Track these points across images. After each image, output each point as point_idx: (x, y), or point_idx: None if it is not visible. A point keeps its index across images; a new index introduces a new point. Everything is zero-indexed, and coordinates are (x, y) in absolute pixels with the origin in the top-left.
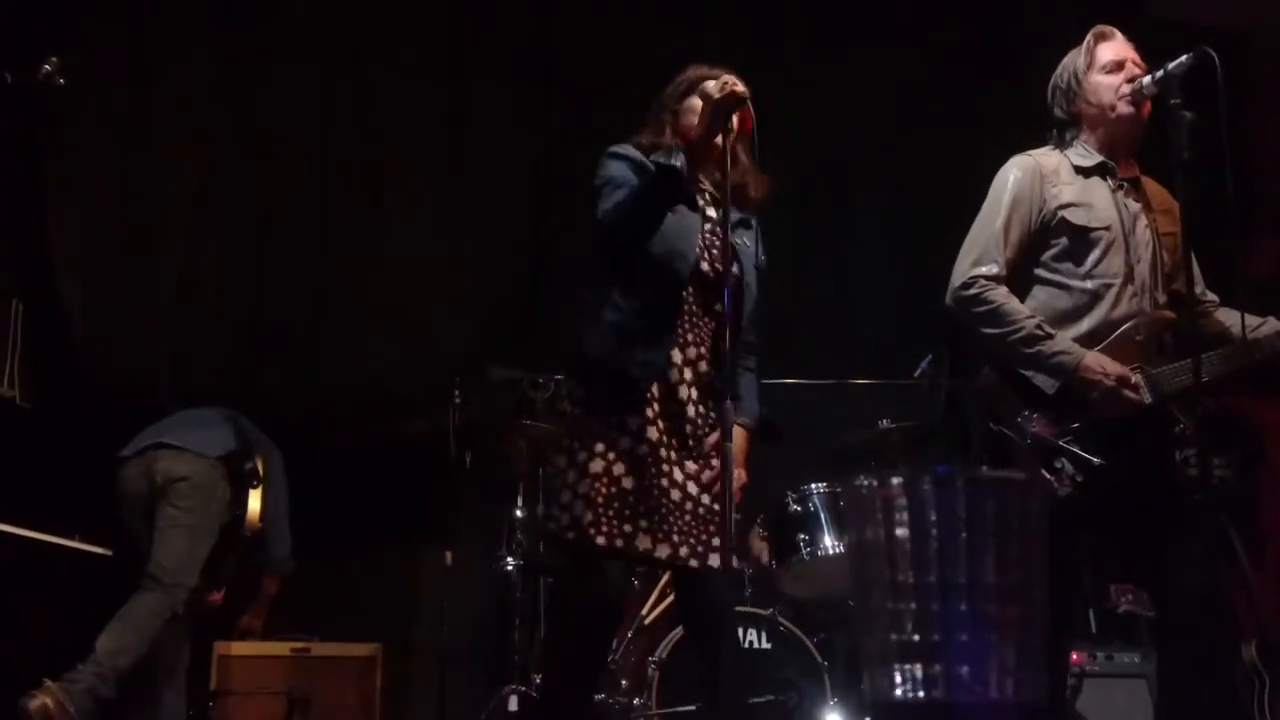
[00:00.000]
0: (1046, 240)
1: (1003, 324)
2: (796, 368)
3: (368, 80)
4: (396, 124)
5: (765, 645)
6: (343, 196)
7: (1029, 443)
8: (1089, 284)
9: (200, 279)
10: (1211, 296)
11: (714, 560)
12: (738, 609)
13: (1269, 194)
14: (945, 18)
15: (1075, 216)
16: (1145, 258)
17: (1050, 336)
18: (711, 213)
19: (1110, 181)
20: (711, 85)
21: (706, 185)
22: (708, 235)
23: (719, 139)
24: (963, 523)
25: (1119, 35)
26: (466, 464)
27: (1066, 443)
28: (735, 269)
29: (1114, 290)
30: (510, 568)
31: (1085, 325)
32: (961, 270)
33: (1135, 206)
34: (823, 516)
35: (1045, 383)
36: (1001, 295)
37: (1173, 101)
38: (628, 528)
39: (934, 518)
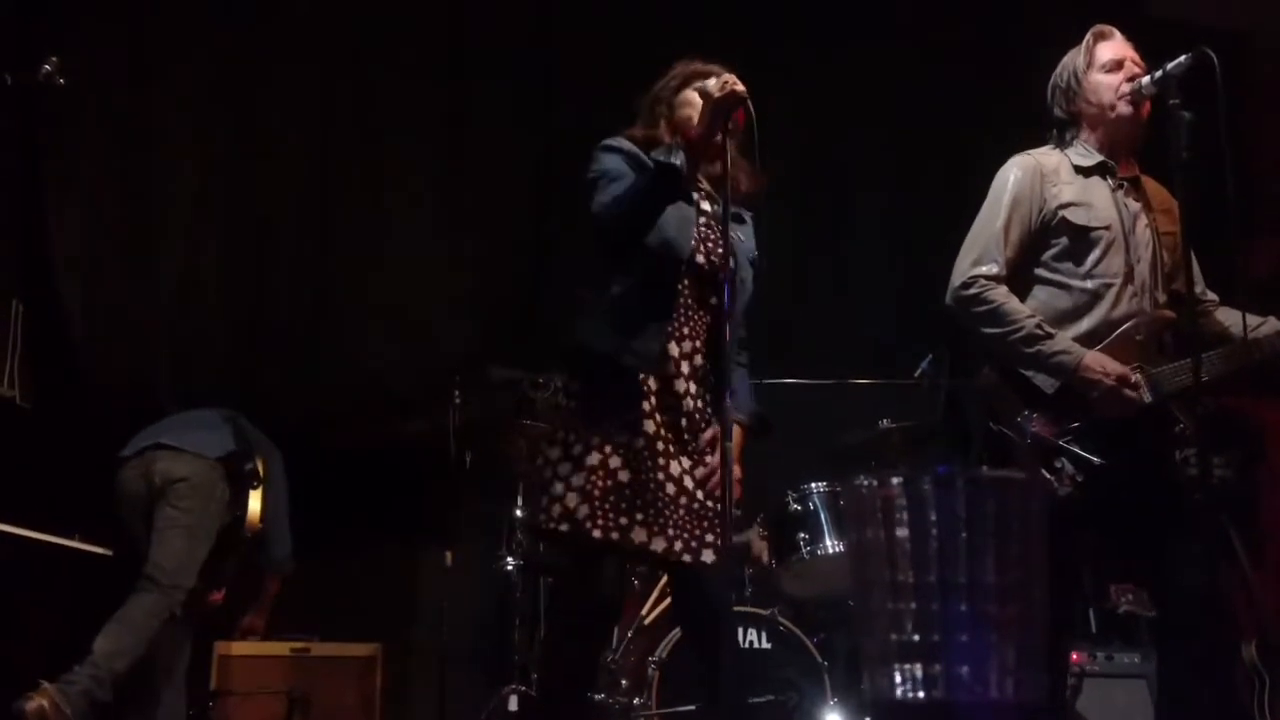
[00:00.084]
0: (1046, 240)
1: (1003, 323)
2: (796, 368)
3: (368, 80)
4: (396, 124)
5: (765, 645)
6: (343, 196)
7: (1029, 442)
8: (1089, 284)
9: (200, 279)
10: (1211, 296)
11: (707, 556)
12: (737, 609)
13: (1269, 194)
14: (945, 18)
15: (1075, 216)
16: (1145, 257)
17: (1050, 336)
18: (706, 206)
19: (1110, 181)
20: (712, 84)
21: (702, 180)
22: (702, 229)
23: (719, 137)
24: (963, 523)
25: (1118, 34)
26: (466, 464)
27: (1066, 442)
28: (730, 263)
29: (1114, 290)
30: (510, 568)
31: (1085, 325)
32: (961, 270)
33: (1135, 206)
34: (823, 516)
35: (1045, 382)
36: (1001, 295)
37: (1172, 101)
38: (624, 520)
39: (934, 518)
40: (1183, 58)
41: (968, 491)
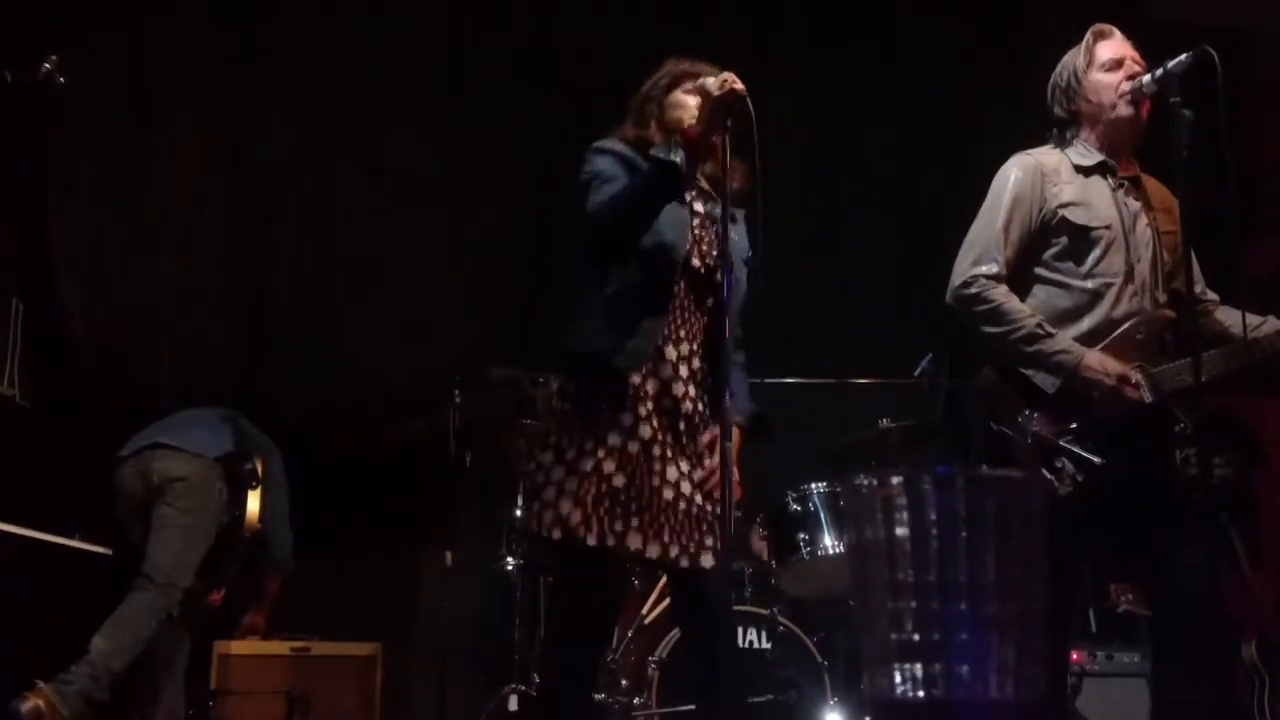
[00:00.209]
0: (1047, 239)
1: (1003, 323)
2: (796, 367)
3: (368, 80)
4: (396, 124)
5: (765, 645)
6: (343, 197)
7: (1030, 442)
8: (1089, 283)
9: (200, 279)
10: (1212, 295)
11: (706, 560)
12: (737, 608)
13: (1269, 194)
14: (945, 18)
15: (1075, 215)
16: (1145, 256)
17: (1051, 335)
18: (699, 207)
19: (1110, 180)
20: (711, 82)
21: (700, 179)
22: (696, 230)
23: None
24: (963, 522)
25: (1118, 33)
26: (466, 464)
27: (1067, 442)
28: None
29: (1114, 289)
30: (510, 568)
31: (1086, 324)
32: (962, 269)
33: (1135, 205)
34: (823, 516)
35: (1046, 382)
36: (1002, 294)
37: (1172, 100)
38: (619, 526)
39: (934, 517)
40: (1183, 56)
41: (967, 491)
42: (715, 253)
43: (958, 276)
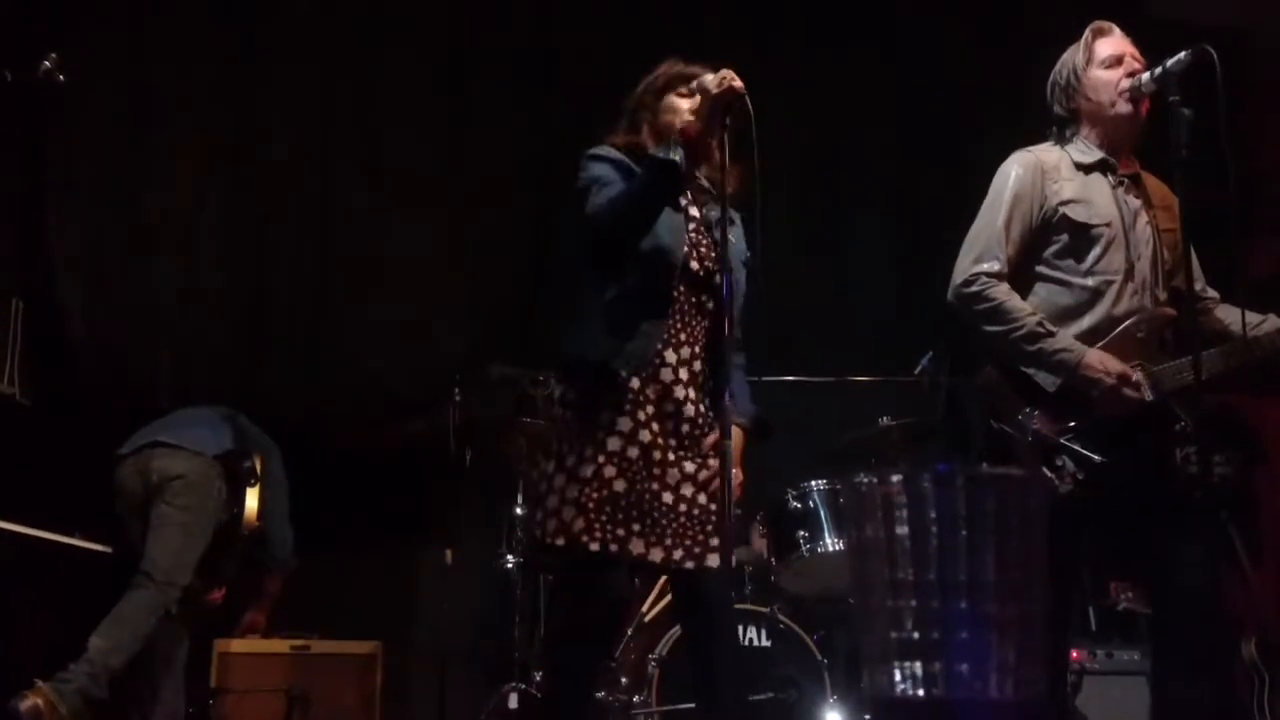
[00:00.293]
0: (1047, 237)
1: (1004, 321)
2: (796, 366)
3: (368, 80)
4: (396, 124)
5: (765, 643)
6: (343, 197)
7: (1030, 440)
8: (1090, 281)
9: (200, 279)
10: (1212, 293)
11: (711, 561)
12: (737, 606)
13: (1269, 194)
14: (945, 18)
15: (1076, 213)
16: (1145, 254)
17: (1052, 334)
18: (694, 211)
19: (1110, 178)
20: (710, 80)
21: (700, 178)
22: (693, 234)
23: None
24: (963, 520)
25: (1117, 31)
26: (466, 463)
27: (1068, 440)
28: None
29: (1115, 287)
30: (510, 567)
31: (1086, 322)
32: (963, 268)
33: (1135, 203)
34: (823, 514)
35: (1046, 380)
36: (1003, 293)
37: (1172, 98)
38: (621, 531)
39: (934, 515)
40: (1183, 54)
41: (967, 489)
42: (714, 255)
43: (959, 275)
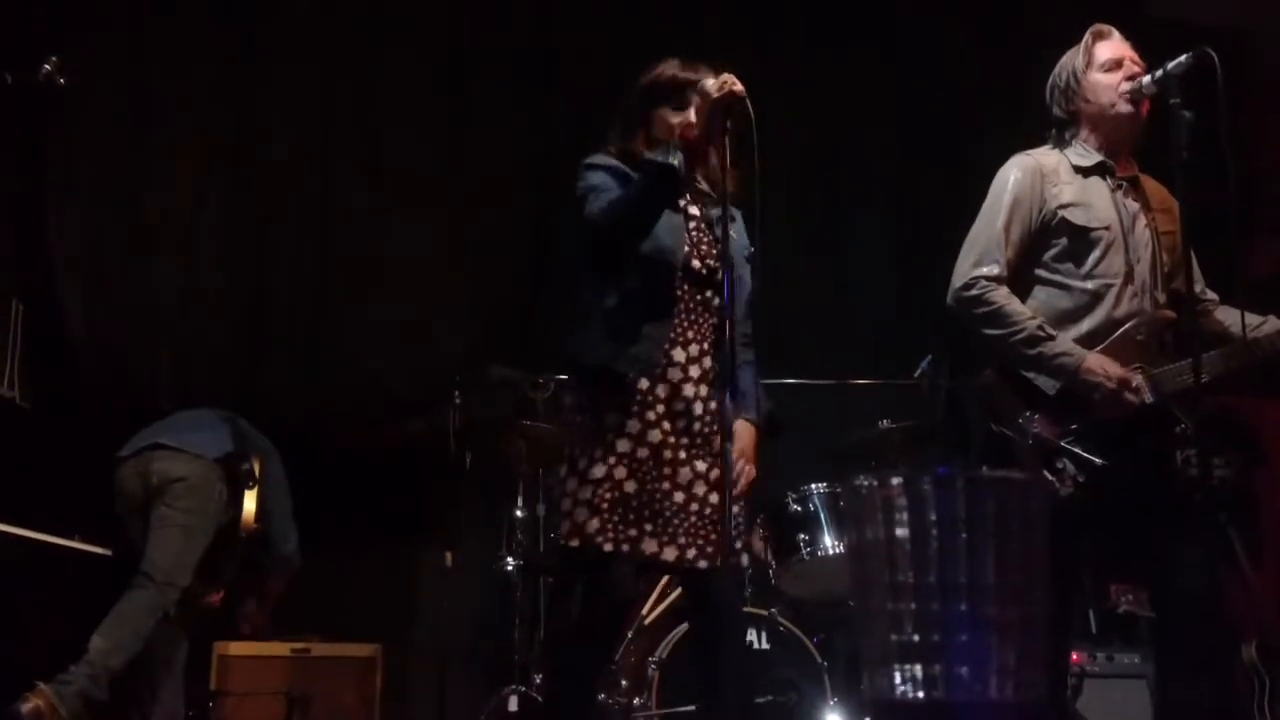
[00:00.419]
0: (1047, 240)
1: (1004, 325)
2: (796, 368)
3: (368, 80)
4: (396, 124)
5: (765, 645)
6: (343, 197)
7: (1030, 443)
8: (1089, 284)
9: (200, 279)
10: (1211, 295)
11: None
12: None
13: (1269, 194)
14: (945, 18)
15: (1075, 216)
16: (1145, 257)
17: (1052, 338)
18: (694, 210)
19: (1109, 181)
20: (710, 84)
21: (700, 179)
22: (693, 233)
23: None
24: (963, 523)
25: (1116, 34)
26: (466, 464)
27: (1068, 443)
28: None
29: (1114, 290)
30: (510, 568)
31: (1086, 325)
32: (962, 271)
33: (1134, 206)
34: (823, 516)
35: (1046, 383)
36: (1003, 296)
37: (1172, 101)
38: (633, 532)
39: (934, 518)
40: (1183, 57)
41: (968, 492)
42: (715, 253)
43: (959, 278)
